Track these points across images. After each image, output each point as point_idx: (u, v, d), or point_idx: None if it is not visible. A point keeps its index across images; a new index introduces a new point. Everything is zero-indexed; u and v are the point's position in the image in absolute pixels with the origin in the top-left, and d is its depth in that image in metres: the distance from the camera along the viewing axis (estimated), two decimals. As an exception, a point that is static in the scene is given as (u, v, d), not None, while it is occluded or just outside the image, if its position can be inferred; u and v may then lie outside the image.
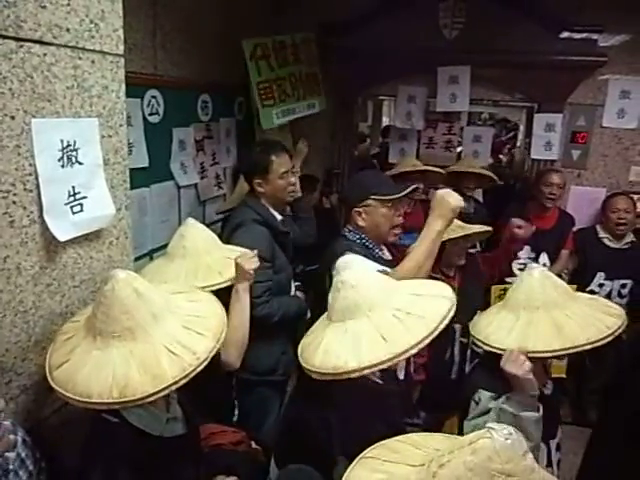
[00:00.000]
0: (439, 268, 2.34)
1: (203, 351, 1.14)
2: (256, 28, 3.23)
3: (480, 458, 0.77)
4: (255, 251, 1.71)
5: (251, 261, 1.65)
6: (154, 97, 2.28)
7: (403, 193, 1.87)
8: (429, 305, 1.27)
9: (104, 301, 1.14)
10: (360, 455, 1.02)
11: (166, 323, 1.17)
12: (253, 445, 1.64)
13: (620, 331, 1.36)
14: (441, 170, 3.34)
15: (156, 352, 1.11)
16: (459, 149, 4.09)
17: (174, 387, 1.08)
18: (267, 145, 2.34)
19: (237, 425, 1.82)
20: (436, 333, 1.19)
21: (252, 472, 1.52)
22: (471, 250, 2.82)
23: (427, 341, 1.18)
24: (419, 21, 3.42)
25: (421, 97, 3.66)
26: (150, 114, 2.27)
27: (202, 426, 1.47)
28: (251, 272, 1.64)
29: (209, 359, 1.14)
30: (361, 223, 1.88)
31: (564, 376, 3.04)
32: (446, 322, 1.21)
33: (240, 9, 3.03)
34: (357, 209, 1.88)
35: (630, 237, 3.16)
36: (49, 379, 1.14)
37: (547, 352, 1.36)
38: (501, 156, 6.62)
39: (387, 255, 1.96)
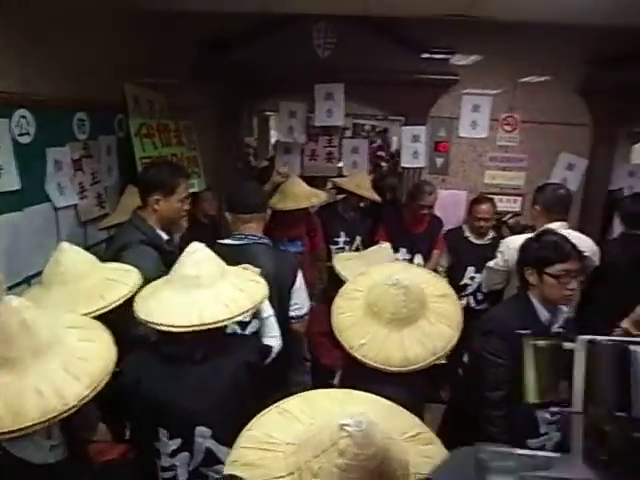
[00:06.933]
0: None
1: (73, 398, 1.11)
2: (135, 45, 3.22)
3: (348, 457, 0.86)
4: None
5: None
6: (23, 117, 2.19)
7: None
8: None
9: None
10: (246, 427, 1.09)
11: (46, 361, 1.14)
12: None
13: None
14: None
15: (23, 390, 1.08)
16: (341, 163, 4.34)
17: (32, 430, 1.05)
18: (176, 168, 2.46)
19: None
20: None
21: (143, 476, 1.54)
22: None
23: None
24: (296, 40, 3.64)
25: (301, 112, 3.86)
26: (20, 134, 2.18)
27: (91, 445, 1.47)
28: None
29: (78, 407, 1.12)
30: None
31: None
32: None
33: (118, 26, 3.01)
34: None
35: (492, 234, 3.54)
36: None
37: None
38: (383, 164, 7.12)
39: None
